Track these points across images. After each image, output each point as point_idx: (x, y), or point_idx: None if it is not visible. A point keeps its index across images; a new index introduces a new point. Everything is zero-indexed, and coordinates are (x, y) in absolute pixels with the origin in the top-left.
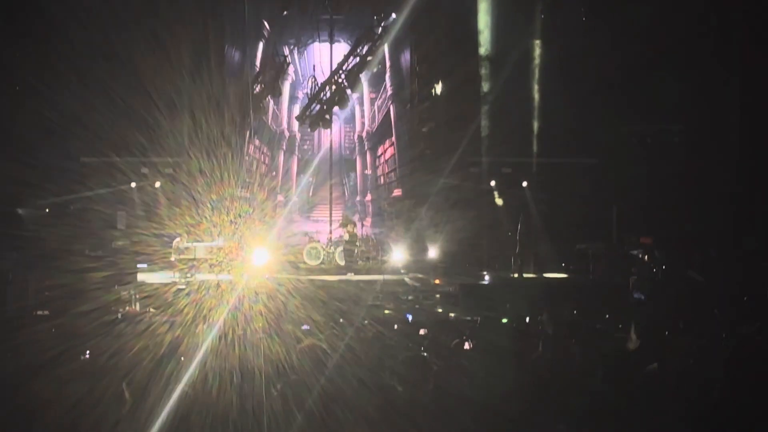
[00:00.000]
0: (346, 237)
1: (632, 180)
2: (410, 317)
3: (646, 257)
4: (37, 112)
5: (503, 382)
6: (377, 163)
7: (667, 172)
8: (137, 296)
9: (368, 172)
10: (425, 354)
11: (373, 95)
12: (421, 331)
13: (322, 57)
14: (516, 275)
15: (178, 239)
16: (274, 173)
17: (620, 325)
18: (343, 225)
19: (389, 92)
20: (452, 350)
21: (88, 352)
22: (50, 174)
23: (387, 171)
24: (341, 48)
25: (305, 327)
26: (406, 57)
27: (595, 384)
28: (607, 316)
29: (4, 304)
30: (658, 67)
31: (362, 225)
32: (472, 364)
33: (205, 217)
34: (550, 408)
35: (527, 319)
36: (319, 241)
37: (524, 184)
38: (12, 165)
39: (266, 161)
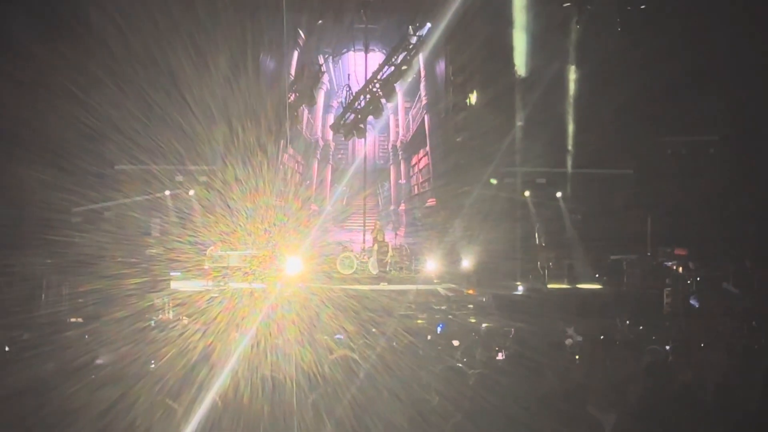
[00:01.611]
0: (375, 246)
1: (667, 191)
2: (441, 328)
3: (680, 269)
4: (74, 118)
5: (537, 394)
6: (411, 172)
7: (702, 183)
8: (170, 304)
9: (402, 181)
10: (460, 365)
11: (408, 105)
12: (455, 342)
13: (357, 66)
14: (549, 286)
15: (211, 247)
16: (308, 182)
17: (654, 337)
18: (375, 234)
19: (424, 102)
20: (486, 361)
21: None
22: (86, 180)
23: (421, 181)
24: (376, 57)
25: (338, 336)
26: (441, 67)
27: (630, 396)
28: (641, 327)
29: (38, 309)
30: (694, 80)
31: (396, 235)
32: (505, 375)
33: (239, 226)
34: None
35: (561, 330)
36: (352, 251)
37: (558, 194)
38: (48, 171)
39: (301, 170)
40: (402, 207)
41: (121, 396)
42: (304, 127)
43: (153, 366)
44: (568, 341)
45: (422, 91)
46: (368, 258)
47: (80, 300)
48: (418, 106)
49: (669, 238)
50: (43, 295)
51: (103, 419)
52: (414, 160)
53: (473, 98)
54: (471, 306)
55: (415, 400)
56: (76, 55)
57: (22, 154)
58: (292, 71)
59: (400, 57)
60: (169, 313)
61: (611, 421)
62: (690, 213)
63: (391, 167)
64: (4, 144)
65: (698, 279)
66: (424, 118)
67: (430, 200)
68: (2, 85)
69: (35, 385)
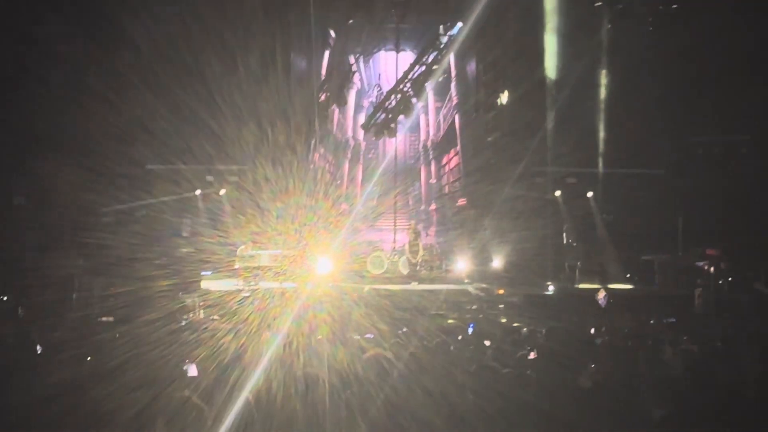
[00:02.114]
0: (407, 246)
1: (699, 191)
2: (472, 327)
3: (712, 269)
4: (105, 119)
5: (570, 393)
6: (442, 172)
7: (733, 182)
8: (201, 304)
9: (433, 181)
10: (493, 364)
11: (438, 104)
12: (486, 342)
13: (388, 66)
14: (580, 286)
15: (242, 247)
16: (338, 182)
17: (685, 337)
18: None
19: (454, 101)
20: (517, 360)
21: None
22: (116, 181)
23: (451, 180)
24: (407, 57)
25: (368, 336)
26: (471, 66)
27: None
28: (672, 327)
29: (70, 311)
30: (725, 79)
31: (426, 234)
32: (537, 374)
33: (270, 225)
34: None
35: (592, 330)
36: (383, 250)
37: (589, 194)
38: (79, 172)
39: (331, 170)
40: (432, 207)
41: (155, 398)
42: (335, 127)
43: (186, 367)
44: (599, 340)
45: (453, 91)
46: (399, 257)
47: (112, 301)
48: (448, 105)
49: (700, 238)
50: (75, 297)
51: (137, 421)
52: (444, 160)
53: (504, 97)
54: (502, 306)
55: (449, 399)
56: (106, 57)
57: (53, 157)
58: (323, 71)
59: (431, 56)
60: (200, 313)
61: (655, 416)
62: (722, 213)
63: (422, 166)
64: (36, 146)
65: (729, 279)
66: (454, 117)
67: (461, 200)
68: (34, 88)
69: (70, 387)
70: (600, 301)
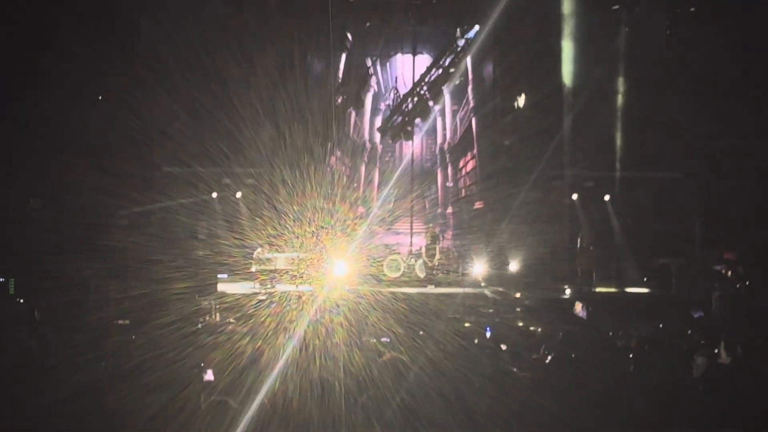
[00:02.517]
0: (424, 250)
1: (716, 194)
2: (489, 331)
3: (729, 273)
4: (121, 122)
5: (587, 398)
6: (458, 175)
7: (751, 187)
8: (218, 307)
9: (449, 184)
10: (509, 368)
11: (455, 107)
12: (503, 346)
13: (405, 69)
14: (597, 289)
15: (259, 250)
16: (355, 185)
17: (702, 342)
18: (428, 238)
19: (471, 105)
20: (534, 364)
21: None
22: (133, 183)
23: (468, 183)
24: (424, 60)
25: (385, 339)
26: (488, 69)
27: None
28: (689, 331)
29: (87, 314)
30: (744, 83)
31: (443, 237)
32: (554, 377)
33: (287, 228)
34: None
35: (610, 334)
36: (399, 254)
37: (607, 198)
38: (96, 175)
39: (348, 173)
40: (449, 210)
41: (170, 400)
42: (352, 130)
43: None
44: (617, 344)
45: (470, 94)
46: (415, 261)
47: (128, 304)
48: (465, 108)
49: (718, 241)
50: (91, 300)
51: (153, 423)
52: (461, 163)
53: (521, 101)
54: (518, 309)
55: (465, 403)
56: (123, 59)
57: (69, 159)
58: (340, 74)
59: (448, 59)
60: (216, 316)
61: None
62: (740, 216)
63: (439, 170)
64: (53, 149)
65: (747, 283)
66: (471, 120)
67: (478, 203)
68: (51, 91)
69: (87, 389)
70: (579, 314)
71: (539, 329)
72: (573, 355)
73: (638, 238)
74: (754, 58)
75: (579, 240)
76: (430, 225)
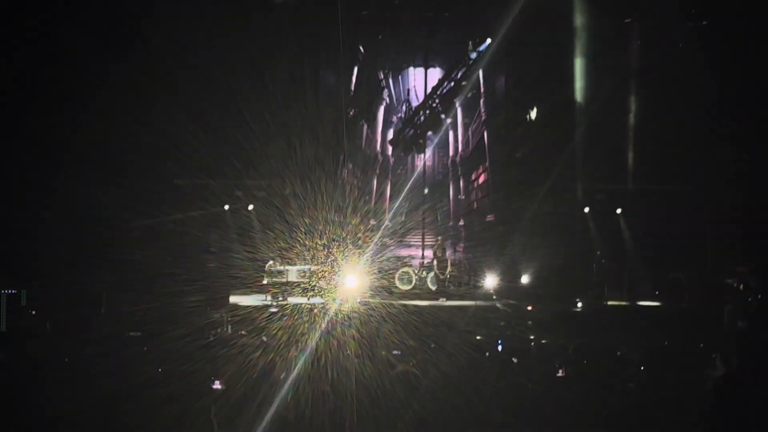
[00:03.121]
0: (435, 262)
1: (728, 207)
2: (501, 344)
3: (741, 286)
4: (133, 135)
5: (599, 411)
6: (470, 188)
7: (763, 199)
8: (229, 319)
9: (461, 197)
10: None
11: (467, 120)
12: (514, 359)
13: (417, 81)
14: (610, 302)
15: (270, 262)
16: (367, 197)
17: (714, 355)
18: (436, 249)
19: (483, 117)
20: (546, 377)
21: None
22: (145, 196)
23: (480, 196)
24: (436, 73)
25: (396, 352)
26: (500, 82)
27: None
28: (701, 344)
29: (100, 327)
30: (755, 95)
31: (455, 250)
32: (566, 391)
33: (298, 241)
34: None
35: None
36: (411, 266)
37: (618, 211)
38: (108, 188)
39: (359, 185)
40: (461, 222)
41: (183, 413)
42: (364, 142)
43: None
44: (628, 357)
45: (482, 107)
46: (427, 273)
47: (140, 317)
48: (477, 121)
49: (730, 254)
50: (104, 313)
51: None
52: (473, 176)
53: (533, 113)
54: (530, 322)
55: (477, 416)
56: (134, 73)
57: (81, 172)
58: (352, 87)
59: (460, 72)
60: (228, 328)
61: None
62: (751, 229)
63: (451, 183)
64: (65, 163)
65: (759, 296)
66: (483, 133)
67: (489, 215)
68: (62, 105)
69: (99, 402)
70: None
71: (551, 342)
72: (585, 369)
73: (649, 250)
74: (766, 69)
75: (593, 252)
76: (439, 237)
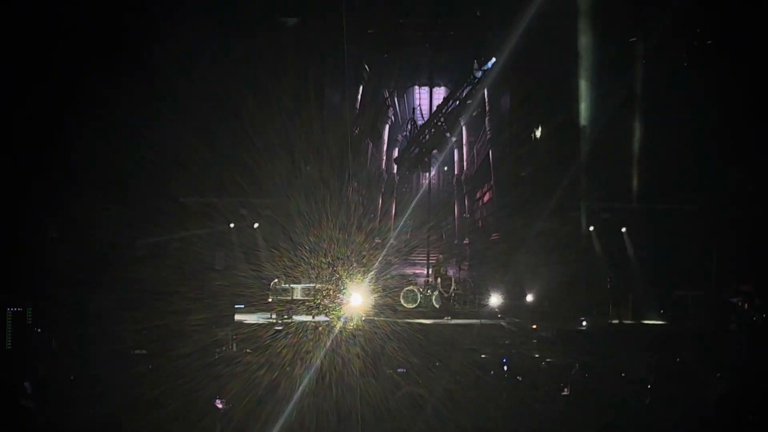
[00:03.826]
0: (438, 280)
1: (732, 226)
2: (506, 362)
3: (745, 305)
4: (139, 154)
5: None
6: (475, 206)
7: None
8: (235, 337)
9: (466, 215)
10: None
11: (472, 139)
12: (519, 377)
13: (422, 100)
14: (615, 321)
15: (275, 280)
16: (372, 215)
17: (718, 374)
18: (437, 267)
19: (488, 136)
20: (551, 396)
21: None
22: (150, 215)
23: (485, 214)
24: (441, 91)
25: (401, 370)
26: (505, 101)
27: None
28: (706, 363)
29: (103, 344)
30: (760, 115)
31: (460, 269)
32: (571, 409)
33: (303, 259)
34: None
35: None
36: (416, 284)
37: (623, 230)
38: (114, 206)
39: (364, 203)
40: (466, 241)
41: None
42: (369, 161)
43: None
44: (633, 376)
45: (487, 125)
46: (432, 292)
47: (145, 335)
48: (482, 140)
49: (734, 273)
50: (109, 331)
51: None
52: (478, 194)
53: (538, 132)
54: (535, 341)
55: None
56: (140, 92)
57: (88, 191)
58: (357, 105)
59: (465, 91)
60: (233, 346)
61: None
62: (756, 248)
63: (456, 201)
64: (71, 181)
65: (764, 315)
66: (488, 151)
67: (494, 234)
68: (69, 123)
69: (105, 420)
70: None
71: (556, 360)
72: (590, 387)
73: (655, 269)
74: None
75: (598, 271)
76: (440, 255)
